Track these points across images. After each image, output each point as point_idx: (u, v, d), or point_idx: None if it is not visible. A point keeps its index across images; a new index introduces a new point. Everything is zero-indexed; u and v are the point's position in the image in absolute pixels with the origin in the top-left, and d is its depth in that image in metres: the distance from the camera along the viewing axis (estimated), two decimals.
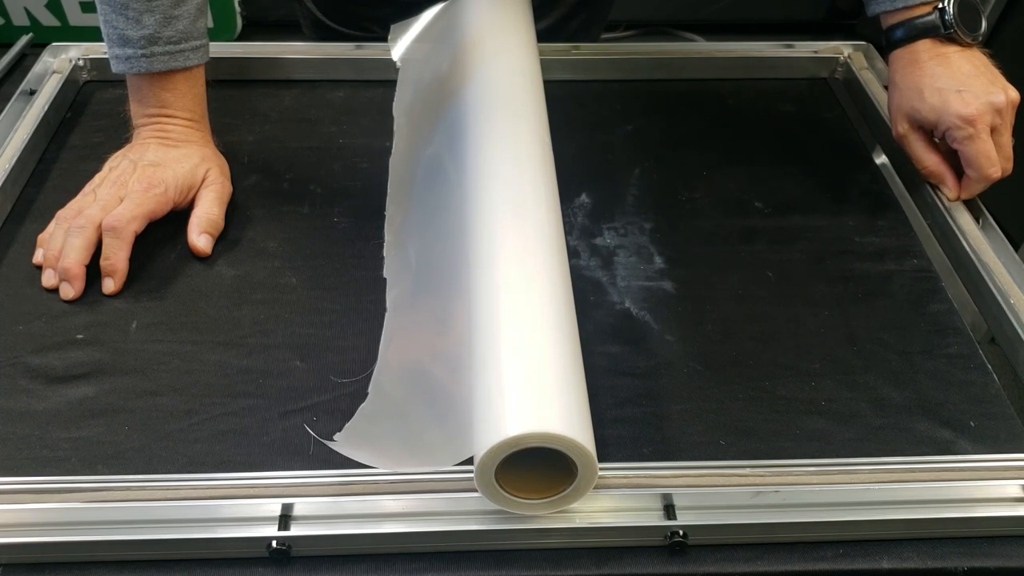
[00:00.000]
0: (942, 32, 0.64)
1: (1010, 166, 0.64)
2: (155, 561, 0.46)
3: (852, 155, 0.75)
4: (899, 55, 0.66)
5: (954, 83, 0.63)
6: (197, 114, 0.68)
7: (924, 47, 0.65)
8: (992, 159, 0.63)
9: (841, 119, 0.80)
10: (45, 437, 0.51)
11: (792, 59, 0.84)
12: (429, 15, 0.78)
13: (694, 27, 2.05)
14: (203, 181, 0.65)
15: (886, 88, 0.79)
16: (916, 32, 0.65)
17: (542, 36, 0.81)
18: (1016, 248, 0.64)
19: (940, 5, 0.64)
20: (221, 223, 0.64)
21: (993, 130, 0.63)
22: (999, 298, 0.59)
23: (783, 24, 1.99)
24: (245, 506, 0.46)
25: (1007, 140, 0.64)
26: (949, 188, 0.67)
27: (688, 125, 0.78)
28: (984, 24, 0.65)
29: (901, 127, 0.67)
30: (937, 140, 0.66)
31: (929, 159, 0.67)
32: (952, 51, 0.64)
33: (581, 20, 0.92)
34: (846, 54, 0.84)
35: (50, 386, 0.54)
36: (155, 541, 0.45)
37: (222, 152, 0.69)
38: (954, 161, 0.66)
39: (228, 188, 0.67)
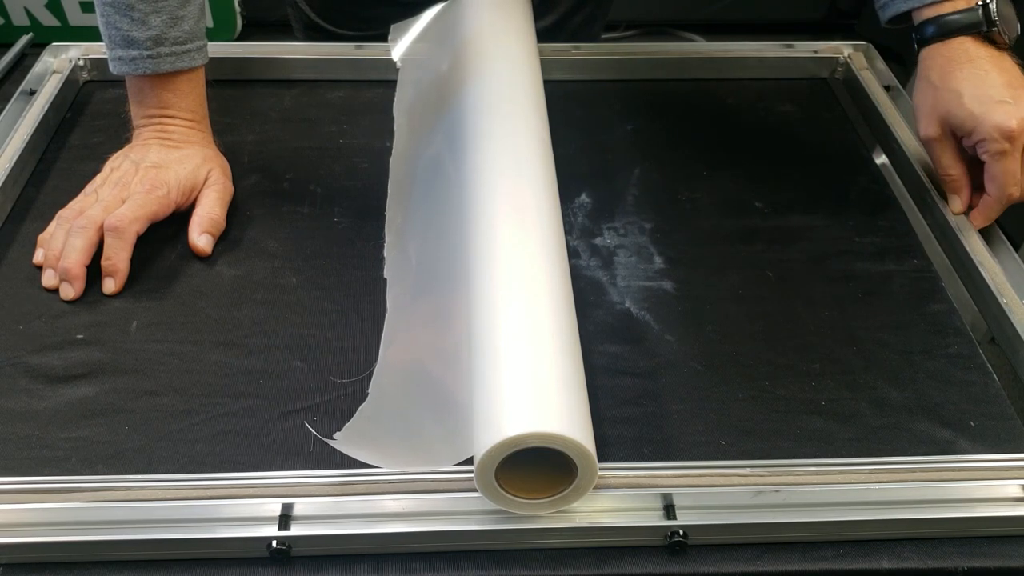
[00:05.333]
0: (984, 30, 0.60)
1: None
2: (155, 561, 0.46)
3: (852, 155, 0.75)
4: (933, 52, 0.62)
5: (997, 92, 0.59)
6: (198, 115, 0.68)
7: (962, 46, 0.60)
8: (1016, 179, 0.59)
9: (841, 119, 0.80)
10: (45, 437, 0.51)
11: (792, 59, 0.84)
12: (429, 15, 0.78)
13: (694, 27, 2.05)
14: (205, 182, 0.65)
15: (887, 89, 0.79)
16: (953, 28, 0.60)
17: (545, 33, 0.81)
18: (1016, 248, 0.64)
19: (983, 1, 0.59)
20: (223, 223, 0.64)
21: None
22: (999, 298, 0.59)
23: (783, 24, 1.99)
24: (245, 506, 0.46)
25: None
26: (961, 201, 0.64)
27: (688, 125, 0.78)
28: (1019, 27, 0.61)
29: (932, 129, 0.63)
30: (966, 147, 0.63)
31: (957, 168, 0.63)
32: (988, 55, 0.60)
33: (584, 16, 0.92)
34: (846, 54, 0.84)
35: (50, 386, 0.54)
36: (155, 541, 0.45)
37: (222, 152, 0.69)
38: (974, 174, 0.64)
39: (230, 188, 0.67)
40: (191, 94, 0.66)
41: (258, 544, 0.45)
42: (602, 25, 0.99)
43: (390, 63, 0.77)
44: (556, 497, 0.45)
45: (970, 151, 0.62)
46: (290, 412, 0.53)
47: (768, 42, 0.85)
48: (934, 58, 0.62)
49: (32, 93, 0.74)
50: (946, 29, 0.61)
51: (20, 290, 0.60)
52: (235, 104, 0.77)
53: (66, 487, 0.47)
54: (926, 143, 0.65)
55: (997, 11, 0.59)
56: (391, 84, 0.75)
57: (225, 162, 0.68)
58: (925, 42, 0.63)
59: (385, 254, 0.61)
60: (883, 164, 0.74)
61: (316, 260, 0.63)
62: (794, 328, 0.59)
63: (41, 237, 0.62)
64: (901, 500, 0.48)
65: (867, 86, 0.80)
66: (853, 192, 0.71)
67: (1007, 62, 0.61)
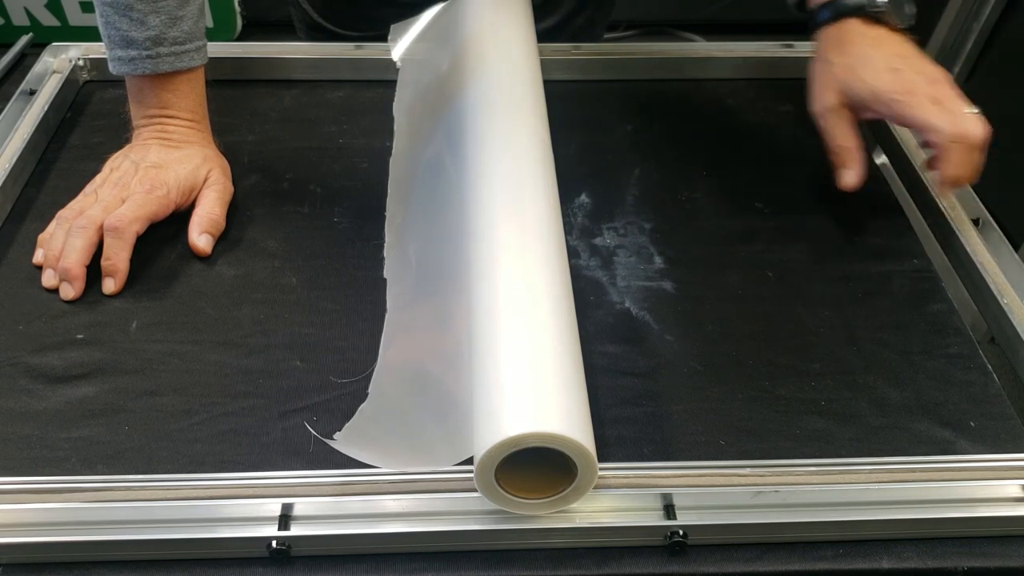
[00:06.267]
0: (869, 11, 0.62)
1: (971, 129, 0.58)
2: (155, 561, 0.46)
3: None
4: (827, 33, 0.65)
5: (887, 62, 0.61)
6: (198, 115, 0.68)
7: (853, 26, 0.63)
8: (943, 116, 0.58)
9: None
10: (45, 437, 0.51)
11: (792, 59, 0.84)
12: (429, 15, 0.78)
13: (694, 27, 2.05)
14: (205, 182, 0.65)
15: None
16: (844, 11, 0.63)
17: (546, 35, 0.81)
18: (1016, 248, 0.64)
19: None
20: (222, 223, 0.64)
21: (937, 103, 0.59)
22: (999, 298, 0.59)
23: (783, 24, 1.98)
24: (245, 506, 0.46)
25: (957, 106, 0.59)
26: (855, 174, 0.63)
27: (688, 125, 0.78)
28: (913, 8, 0.63)
29: (829, 100, 0.63)
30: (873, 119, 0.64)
31: (851, 139, 0.63)
32: (882, 32, 0.63)
33: (586, 17, 0.92)
34: None
35: (50, 386, 0.54)
36: (155, 541, 0.45)
37: (222, 152, 0.69)
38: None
39: (230, 188, 0.67)
40: (191, 94, 0.67)
41: (258, 544, 0.45)
42: (604, 28, 0.98)
43: (390, 63, 0.77)
44: (556, 497, 0.45)
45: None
46: (290, 412, 0.53)
47: (768, 42, 0.85)
48: (828, 39, 0.65)
49: (32, 93, 0.74)
50: (838, 11, 0.63)
51: (20, 290, 0.60)
52: (235, 104, 0.77)
53: (66, 487, 0.47)
54: (820, 116, 0.65)
55: None
56: (391, 84, 0.75)
57: (225, 162, 0.68)
58: (818, 25, 0.65)
59: (385, 254, 0.61)
60: (883, 164, 0.74)
61: (316, 260, 0.63)
62: (794, 328, 0.59)
63: (41, 237, 0.62)
64: (901, 500, 0.48)
65: None
66: (853, 192, 0.71)
67: (896, 38, 0.63)
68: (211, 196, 0.64)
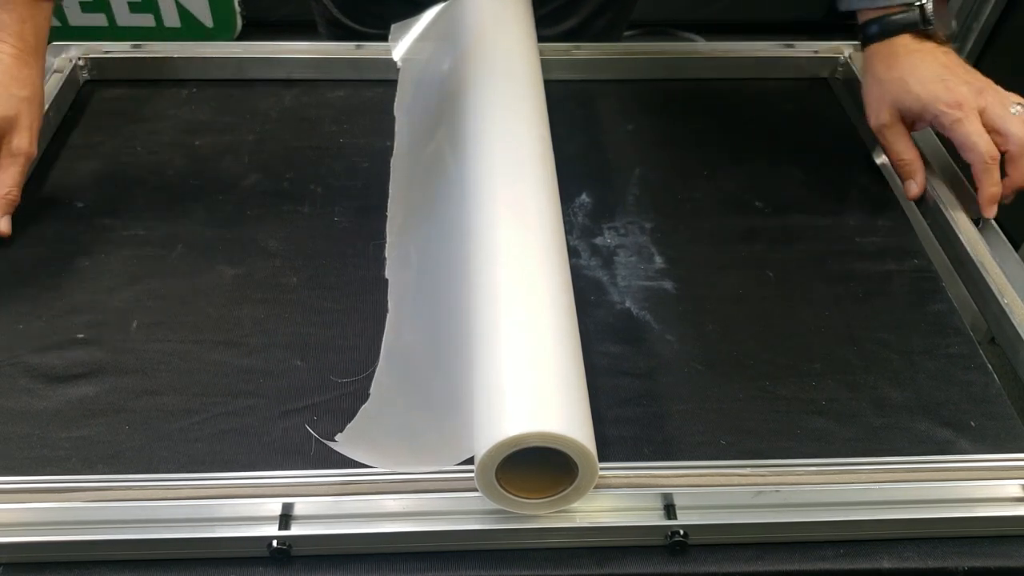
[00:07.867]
0: (920, 28, 0.65)
1: (1015, 148, 0.61)
2: (155, 561, 0.46)
3: (852, 155, 0.75)
4: (876, 49, 0.67)
5: (936, 73, 0.63)
6: (29, 45, 0.64)
7: (903, 42, 0.65)
8: (985, 137, 0.61)
9: (841, 119, 0.80)
10: (45, 437, 0.51)
11: (792, 59, 0.84)
12: (430, 15, 0.78)
13: (694, 27, 2.05)
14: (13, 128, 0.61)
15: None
16: (894, 28, 0.65)
17: (567, 37, 0.80)
18: (1016, 248, 0.64)
19: (919, 3, 0.64)
20: (17, 195, 0.61)
21: (983, 112, 0.62)
22: (999, 298, 0.59)
23: (783, 24, 1.98)
24: (245, 506, 0.46)
25: (1000, 116, 0.62)
26: (917, 185, 0.67)
27: (688, 125, 0.78)
28: (954, 24, 0.66)
29: (883, 117, 0.66)
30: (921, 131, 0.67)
31: (910, 152, 0.66)
32: (929, 47, 0.65)
33: (608, 19, 0.91)
34: (846, 54, 0.84)
35: (50, 386, 0.54)
36: (155, 541, 0.45)
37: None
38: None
39: (28, 148, 0.61)
40: (30, 21, 0.63)
41: (258, 544, 0.45)
42: (622, 29, 0.98)
43: (390, 62, 0.77)
44: (556, 497, 0.45)
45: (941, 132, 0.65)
46: (290, 411, 0.53)
47: (768, 42, 0.85)
48: (878, 54, 0.67)
49: None
50: (888, 29, 0.65)
51: (20, 290, 0.60)
52: (235, 104, 0.77)
53: (66, 487, 0.47)
54: (878, 132, 0.68)
55: (932, 11, 0.64)
56: (391, 84, 0.75)
57: (37, 106, 0.64)
58: (869, 40, 0.67)
59: (386, 254, 0.61)
60: (883, 164, 0.74)
61: (316, 259, 0.63)
62: (794, 328, 0.59)
63: None
64: (901, 500, 0.48)
65: None
66: (853, 192, 0.71)
67: (941, 50, 0.65)
68: (6, 165, 0.61)
